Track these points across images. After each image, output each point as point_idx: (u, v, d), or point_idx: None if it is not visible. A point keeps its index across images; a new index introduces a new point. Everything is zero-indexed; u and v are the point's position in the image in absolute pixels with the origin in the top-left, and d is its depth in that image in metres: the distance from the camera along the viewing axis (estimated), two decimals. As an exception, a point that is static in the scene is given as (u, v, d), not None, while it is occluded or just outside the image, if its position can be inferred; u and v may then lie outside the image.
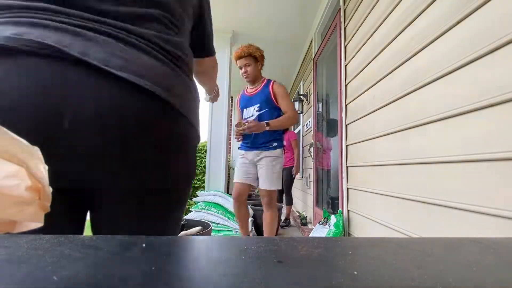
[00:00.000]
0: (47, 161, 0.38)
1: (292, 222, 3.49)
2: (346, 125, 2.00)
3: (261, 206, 2.27)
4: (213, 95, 1.08)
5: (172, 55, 0.50)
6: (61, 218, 0.45)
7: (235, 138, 2.05)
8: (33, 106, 0.37)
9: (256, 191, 4.53)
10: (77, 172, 0.42)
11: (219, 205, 2.78)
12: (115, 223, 0.48)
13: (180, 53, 0.52)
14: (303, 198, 3.85)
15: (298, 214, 3.45)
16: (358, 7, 1.84)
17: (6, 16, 0.40)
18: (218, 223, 2.59)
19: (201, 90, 0.85)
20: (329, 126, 2.92)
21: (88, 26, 0.42)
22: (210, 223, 2.01)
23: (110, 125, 0.41)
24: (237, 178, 2.07)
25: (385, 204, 1.40)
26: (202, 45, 0.71)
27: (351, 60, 1.95)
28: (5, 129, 0.15)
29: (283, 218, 3.36)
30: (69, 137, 0.39)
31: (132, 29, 0.45)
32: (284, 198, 3.53)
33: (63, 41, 0.39)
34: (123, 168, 0.44)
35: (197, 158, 2.78)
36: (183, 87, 0.50)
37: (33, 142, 0.37)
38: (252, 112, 2.07)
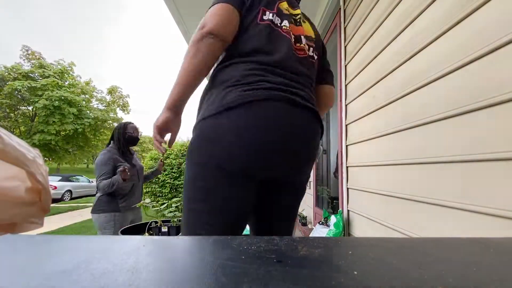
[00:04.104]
0: (278, 165, 0.76)
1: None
2: (346, 125, 2.00)
3: None
4: None
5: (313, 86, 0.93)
6: (250, 200, 0.76)
7: None
8: (279, 134, 0.73)
9: None
10: (282, 170, 0.78)
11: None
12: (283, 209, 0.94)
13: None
14: (303, 198, 3.83)
15: (297, 214, 3.43)
16: (358, 7, 1.84)
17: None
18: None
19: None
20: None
21: (293, 83, 0.78)
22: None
23: (313, 142, 0.81)
24: None
25: (385, 204, 1.40)
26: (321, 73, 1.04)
27: (351, 60, 1.95)
28: (4, 131, 0.15)
29: None
30: (293, 153, 0.77)
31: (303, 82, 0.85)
32: None
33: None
34: (306, 168, 0.86)
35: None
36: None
37: (275, 160, 0.74)
38: None
